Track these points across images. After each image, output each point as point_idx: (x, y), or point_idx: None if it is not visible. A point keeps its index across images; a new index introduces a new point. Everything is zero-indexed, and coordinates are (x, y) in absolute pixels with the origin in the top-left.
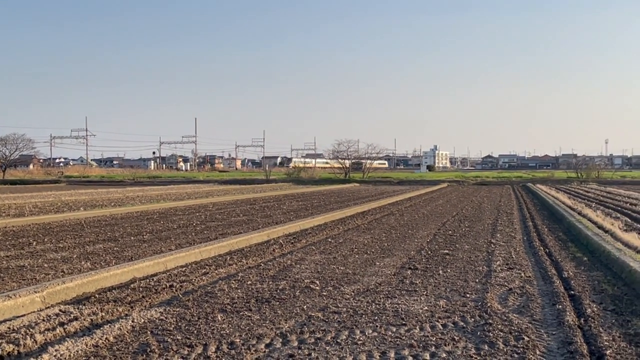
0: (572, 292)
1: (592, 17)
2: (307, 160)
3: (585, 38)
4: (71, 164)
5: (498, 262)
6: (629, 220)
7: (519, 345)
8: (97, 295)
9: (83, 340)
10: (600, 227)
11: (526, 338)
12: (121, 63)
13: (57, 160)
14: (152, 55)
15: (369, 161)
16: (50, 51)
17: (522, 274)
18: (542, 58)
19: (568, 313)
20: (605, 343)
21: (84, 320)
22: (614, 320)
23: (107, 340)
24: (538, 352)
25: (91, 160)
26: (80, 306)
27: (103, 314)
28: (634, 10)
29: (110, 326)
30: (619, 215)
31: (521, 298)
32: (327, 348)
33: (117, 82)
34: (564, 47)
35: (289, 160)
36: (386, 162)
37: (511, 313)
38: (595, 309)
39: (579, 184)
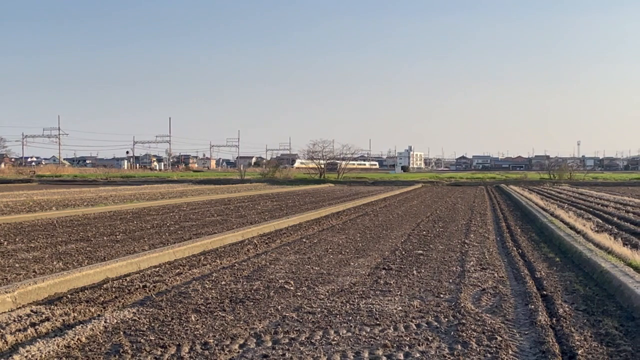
0: (545, 292)
1: (563, 20)
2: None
3: (558, 41)
4: (43, 163)
5: (471, 263)
6: (601, 221)
7: (491, 345)
8: (69, 296)
9: (55, 341)
10: (572, 228)
11: (499, 338)
12: (94, 61)
13: (29, 160)
14: (125, 54)
15: (348, 162)
16: (22, 49)
17: (495, 274)
18: (515, 61)
19: (540, 313)
20: (577, 343)
21: (56, 320)
22: (585, 320)
23: (79, 341)
24: (511, 352)
25: (64, 159)
26: (52, 306)
27: (75, 314)
28: (604, 13)
29: (82, 327)
30: (590, 216)
31: (494, 298)
32: (301, 348)
33: (91, 80)
34: (537, 50)
35: (295, 162)
36: (377, 163)
37: (484, 313)
38: (567, 309)
39: (552, 185)
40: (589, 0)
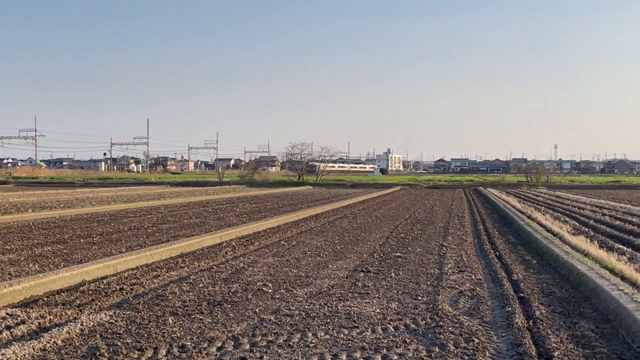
0: (522, 294)
1: (543, 27)
2: (328, 164)
3: (537, 47)
4: (19, 164)
5: (449, 265)
6: (577, 224)
7: (469, 347)
8: (45, 299)
9: (30, 344)
10: (549, 230)
11: (476, 340)
12: (71, 62)
13: (5, 161)
14: (103, 55)
15: (327, 165)
16: None
17: (473, 277)
18: (493, 63)
19: (517, 315)
20: (553, 344)
21: (32, 323)
22: (561, 322)
23: (55, 344)
24: (488, 354)
25: (40, 161)
26: (28, 309)
27: (51, 317)
28: (582, 18)
29: (58, 330)
30: (567, 219)
31: (472, 300)
32: (279, 351)
33: (68, 81)
34: (514, 53)
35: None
36: (375, 166)
37: (462, 315)
38: (544, 311)
39: (529, 188)
40: (567, 5)
